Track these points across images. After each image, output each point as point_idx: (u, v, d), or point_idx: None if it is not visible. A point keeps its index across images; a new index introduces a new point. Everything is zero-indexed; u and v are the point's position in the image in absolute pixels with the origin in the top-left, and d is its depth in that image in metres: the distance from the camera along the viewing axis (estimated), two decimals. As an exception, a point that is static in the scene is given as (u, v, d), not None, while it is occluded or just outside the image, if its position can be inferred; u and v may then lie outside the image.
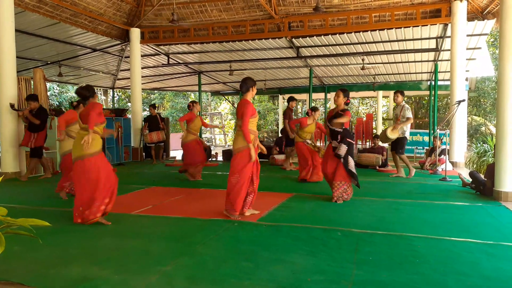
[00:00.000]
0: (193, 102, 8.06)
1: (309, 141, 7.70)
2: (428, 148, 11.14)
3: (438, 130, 9.40)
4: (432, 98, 13.85)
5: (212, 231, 4.12)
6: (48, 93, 10.09)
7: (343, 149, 5.52)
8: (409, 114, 7.76)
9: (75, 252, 3.48)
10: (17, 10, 8.70)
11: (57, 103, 18.47)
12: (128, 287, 2.72)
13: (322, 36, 11.40)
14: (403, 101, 8.07)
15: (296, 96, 23.46)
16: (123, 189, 6.71)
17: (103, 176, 4.45)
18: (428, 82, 16.65)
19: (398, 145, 7.98)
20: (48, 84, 11.20)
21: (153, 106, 11.75)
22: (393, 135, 7.78)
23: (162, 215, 4.89)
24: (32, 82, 9.52)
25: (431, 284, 2.78)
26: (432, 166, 9.31)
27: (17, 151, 8.38)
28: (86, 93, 4.64)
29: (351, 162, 5.58)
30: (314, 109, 7.99)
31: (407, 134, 7.99)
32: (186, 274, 2.95)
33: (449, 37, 10.41)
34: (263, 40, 11.96)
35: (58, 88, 20.17)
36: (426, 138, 13.13)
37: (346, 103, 5.68)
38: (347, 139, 5.58)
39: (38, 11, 9.72)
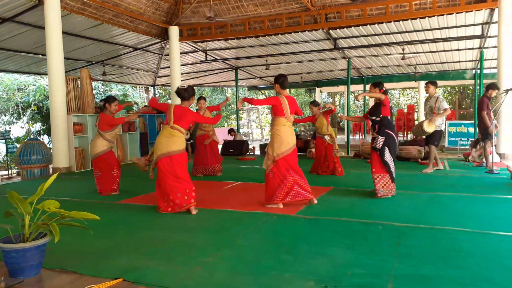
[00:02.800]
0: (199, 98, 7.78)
1: (327, 138, 7.63)
2: (472, 139, 10.70)
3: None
4: (478, 87, 13.24)
5: (251, 224, 4.19)
6: (94, 92, 10.53)
7: (379, 141, 5.40)
8: (446, 105, 7.41)
9: (123, 244, 3.66)
10: (63, 13, 9.13)
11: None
12: (173, 277, 2.84)
13: (360, 27, 11.16)
14: (436, 92, 7.67)
15: (334, 88, 23.26)
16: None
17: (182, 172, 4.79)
18: (473, 71, 15.91)
19: (432, 138, 7.61)
20: (93, 83, 11.69)
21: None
22: (429, 128, 7.39)
23: (202, 208, 5.03)
24: (79, 81, 10.00)
25: (476, 280, 2.70)
26: (478, 158, 8.94)
27: (67, 148, 8.84)
28: (186, 94, 4.95)
29: (387, 154, 5.37)
30: (314, 104, 8.01)
31: (443, 127, 7.68)
32: (227, 265, 3.04)
33: (495, 22, 9.90)
34: (299, 33, 11.86)
35: (102, 87, 20.98)
36: (471, 129, 12.59)
37: (383, 93, 5.53)
38: (386, 130, 5.39)
39: (82, 13, 10.15)
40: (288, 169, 4.93)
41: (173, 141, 4.73)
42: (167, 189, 4.73)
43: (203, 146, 7.84)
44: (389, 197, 5.40)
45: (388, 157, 5.39)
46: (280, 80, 5.00)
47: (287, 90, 5.58)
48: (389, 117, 5.51)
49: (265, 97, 16.87)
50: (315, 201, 5.06)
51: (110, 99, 6.20)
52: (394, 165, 5.49)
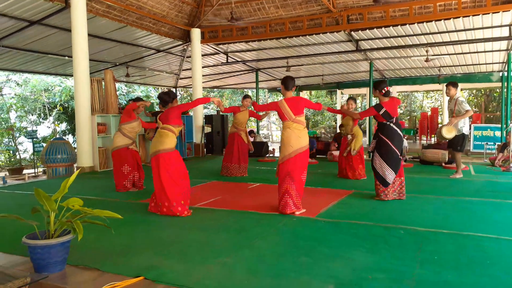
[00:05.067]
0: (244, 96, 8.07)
1: (350, 137, 7.46)
2: (499, 143, 10.40)
3: (511, 125, 8.73)
4: (505, 90, 12.87)
5: (271, 226, 4.19)
6: (117, 93, 10.74)
7: (372, 145, 5.39)
8: (467, 106, 6.97)
9: (143, 242, 3.71)
10: (89, 16, 9.34)
11: (125, 102, 19.59)
12: (191, 276, 2.86)
13: (383, 28, 11.01)
14: (457, 94, 7.25)
15: (356, 90, 23.00)
16: (186, 184, 7.01)
17: (177, 172, 4.75)
18: (500, 73, 15.47)
19: (455, 143, 7.20)
20: (117, 85, 11.92)
21: None
22: (449, 134, 6.99)
23: (222, 208, 5.05)
24: (103, 82, 10.21)
25: (502, 287, 2.62)
26: (505, 162, 8.68)
27: (91, 147, 9.03)
28: (167, 98, 4.98)
29: (376, 159, 5.30)
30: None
31: (465, 130, 7.19)
32: (246, 266, 3.04)
33: (524, 23, 9.62)
34: (320, 34, 11.80)
35: (126, 88, 21.36)
36: (498, 133, 12.24)
37: (384, 95, 5.32)
38: (379, 134, 5.33)
39: (107, 16, 10.37)
40: (286, 176, 4.66)
41: (161, 141, 4.78)
42: (155, 189, 4.80)
43: (231, 144, 7.95)
44: (411, 201, 5.32)
45: (376, 161, 5.31)
46: (284, 82, 4.85)
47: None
48: (386, 122, 5.28)
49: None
50: (297, 213, 4.66)
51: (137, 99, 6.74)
52: (402, 169, 5.37)
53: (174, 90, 20.11)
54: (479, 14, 9.80)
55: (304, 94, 25.00)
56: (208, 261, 3.16)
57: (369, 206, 5.12)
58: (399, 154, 5.28)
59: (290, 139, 4.68)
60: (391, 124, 5.29)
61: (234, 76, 18.16)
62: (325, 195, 5.83)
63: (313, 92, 28.81)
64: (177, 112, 4.89)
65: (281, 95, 5.52)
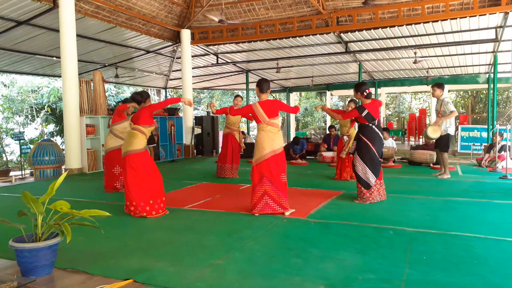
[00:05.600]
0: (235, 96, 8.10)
1: (346, 138, 7.50)
2: (486, 144, 10.55)
3: (497, 126, 8.87)
4: (491, 91, 13.07)
5: (262, 227, 4.19)
6: (106, 94, 10.65)
7: (352, 146, 5.43)
8: (452, 107, 7.08)
9: (133, 244, 3.68)
10: (77, 16, 9.25)
11: (114, 103, 19.45)
12: (182, 279, 2.85)
13: (372, 30, 11.12)
14: (443, 95, 7.35)
15: (345, 92, 23.14)
16: (176, 185, 6.98)
17: (145, 173, 4.75)
18: (487, 75, 15.71)
19: (441, 143, 7.35)
20: (106, 86, 11.82)
21: None
22: (434, 134, 7.17)
23: (212, 210, 5.04)
24: (92, 83, 10.11)
25: (490, 287, 2.66)
26: (491, 163, 8.81)
27: (80, 149, 8.93)
28: (139, 98, 4.98)
29: (356, 161, 5.30)
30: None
31: (451, 131, 7.30)
32: (237, 268, 3.03)
33: (510, 26, 9.79)
34: (310, 36, 11.86)
35: (115, 89, 21.21)
36: (484, 134, 12.43)
37: (365, 97, 5.30)
38: (360, 135, 5.31)
39: (96, 16, 10.28)
40: (262, 178, 4.65)
41: (130, 142, 4.81)
42: (124, 189, 4.83)
43: (225, 144, 7.96)
44: (401, 202, 5.37)
45: (358, 166, 5.29)
46: (259, 84, 4.84)
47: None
48: (368, 124, 5.26)
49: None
50: (286, 214, 4.67)
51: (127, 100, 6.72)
52: (379, 170, 5.34)
53: (164, 91, 20.02)
54: (466, 17, 9.95)
55: (294, 95, 25.08)
56: (199, 263, 3.15)
57: (359, 207, 5.15)
58: (378, 157, 5.28)
59: (263, 142, 4.70)
60: (373, 126, 5.29)
61: (224, 77, 18.15)
62: (315, 196, 5.85)
63: (303, 93, 28.93)
64: (148, 112, 4.89)
65: (272, 96, 5.52)
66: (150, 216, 4.67)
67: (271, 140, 4.70)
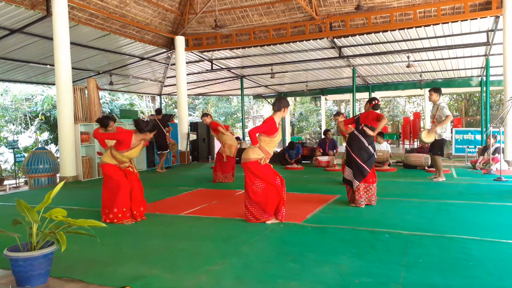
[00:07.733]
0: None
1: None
2: (480, 147, 10.63)
3: (491, 128, 8.94)
4: (484, 94, 13.19)
5: (258, 232, 4.18)
6: (101, 101, 10.63)
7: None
8: (447, 112, 7.11)
9: (129, 252, 3.66)
10: (71, 24, 9.26)
11: (109, 110, 19.39)
12: (179, 286, 2.83)
13: (365, 35, 11.21)
14: (440, 99, 7.38)
15: (340, 96, 23.25)
16: (172, 191, 6.96)
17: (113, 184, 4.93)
18: (479, 78, 15.87)
19: (435, 147, 7.37)
20: (100, 93, 11.80)
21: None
22: (428, 138, 7.20)
23: (208, 216, 5.03)
24: (86, 91, 10.09)
25: (486, 288, 2.67)
26: (485, 165, 8.87)
27: (75, 156, 8.89)
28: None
29: (346, 169, 5.53)
30: (338, 114, 8.00)
31: (446, 136, 7.35)
32: (233, 274, 3.03)
33: (501, 30, 9.90)
34: (304, 41, 11.94)
35: (109, 96, 21.16)
36: (478, 137, 12.51)
37: (373, 108, 5.48)
38: (346, 144, 5.61)
39: (90, 24, 10.29)
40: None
41: (104, 154, 5.09)
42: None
43: (218, 154, 8.20)
44: (396, 205, 5.40)
45: (346, 171, 5.53)
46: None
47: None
48: (355, 132, 5.42)
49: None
50: (268, 223, 4.53)
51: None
52: (372, 177, 5.42)
53: (159, 97, 20.00)
54: (457, 21, 10.06)
55: (289, 100, 25.14)
56: (195, 269, 3.13)
57: (355, 211, 5.16)
58: (360, 161, 5.30)
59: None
60: (355, 131, 5.46)
61: (219, 83, 18.19)
62: (311, 200, 5.85)
63: (297, 98, 29.02)
64: (111, 138, 5.20)
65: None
66: (120, 222, 4.80)
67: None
